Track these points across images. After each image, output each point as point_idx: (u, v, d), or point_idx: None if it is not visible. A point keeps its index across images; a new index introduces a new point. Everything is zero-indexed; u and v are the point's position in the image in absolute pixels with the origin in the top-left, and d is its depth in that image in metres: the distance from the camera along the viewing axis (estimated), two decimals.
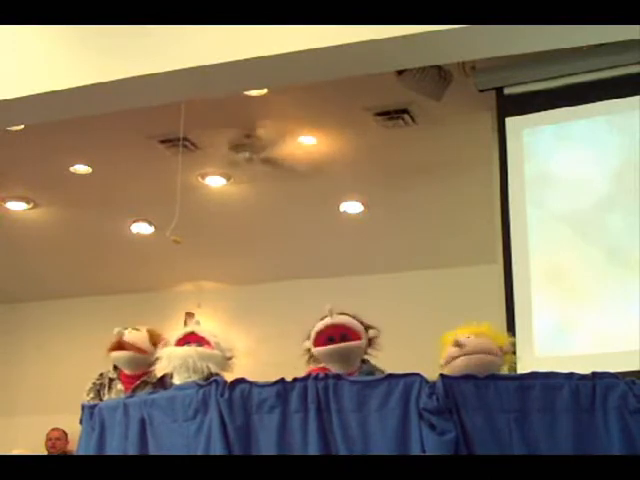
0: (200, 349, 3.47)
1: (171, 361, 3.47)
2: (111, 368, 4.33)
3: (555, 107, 5.76)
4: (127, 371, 4.24)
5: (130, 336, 4.23)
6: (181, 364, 3.43)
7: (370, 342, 3.64)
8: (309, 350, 3.59)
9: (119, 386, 4.21)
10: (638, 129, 5.42)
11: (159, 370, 3.69)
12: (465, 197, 7.18)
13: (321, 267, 8.29)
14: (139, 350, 4.18)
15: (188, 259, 8.22)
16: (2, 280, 8.93)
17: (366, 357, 3.63)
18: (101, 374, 4.31)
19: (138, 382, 4.18)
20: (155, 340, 4.23)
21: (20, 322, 9.33)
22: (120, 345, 4.21)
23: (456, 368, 3.16)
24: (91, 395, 4.19)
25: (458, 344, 3.29)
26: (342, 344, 3.51)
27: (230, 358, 3.57)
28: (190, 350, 3.45)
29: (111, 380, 4.26)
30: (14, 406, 9.00)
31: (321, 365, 3.61)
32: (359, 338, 3.59)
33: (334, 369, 3.51)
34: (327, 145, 6.93)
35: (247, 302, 8.55)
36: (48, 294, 9.11)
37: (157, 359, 3.80)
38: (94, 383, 4.29)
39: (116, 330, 4.23)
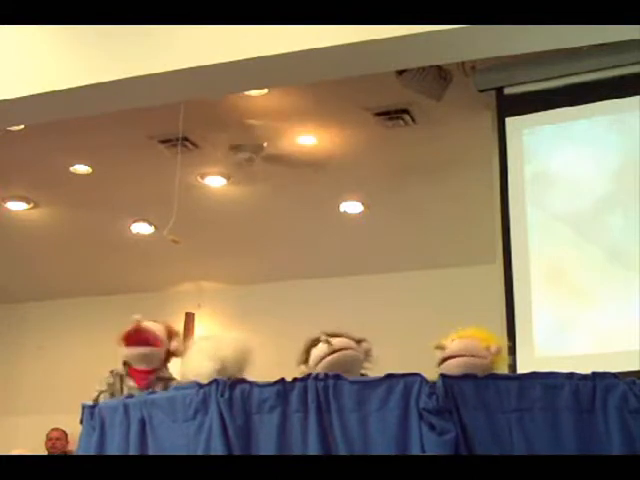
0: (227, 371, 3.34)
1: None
2: (120, 365, 4.23)
3: (555, 107, 5.76)
4: (140, 367, 4.14)
5: (148, 324, 4.10)
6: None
7: (365, 355, 3.64)
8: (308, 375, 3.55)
9: (130, 382, 4.13)
10: (638, 129, 5.42)
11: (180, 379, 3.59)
12: (465, 197, 7.18)
13: (321, 267, 8.30)
14: (154, 341, 4.05)
15: (188, 259, 8.23)
16: (2, 280, 8.93)
17: (363, 371, 3.63)
18: (111, 371, 4.20)
19: (153, 378, 4.10)
20: (172, 335, 4.16)
21: (20, 322, 9.34)
22: (137, 333, 4.12)
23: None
24: (105, 394, 4.08)
25: (440, 347, 3.34)
26: (343, 352, 3.49)
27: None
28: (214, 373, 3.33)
29: (121, 377, 4.17)
30: (14, 406, 9.01)
31: None
32: None
33: None
34: (327, 145, 6.93)
35: (247, 302, 8.55)
36: (48, 294, 9.12)
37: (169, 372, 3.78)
38: (109, 384, 4.15)
39: (134, 317, 4.14)
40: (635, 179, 5.34)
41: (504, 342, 3.46)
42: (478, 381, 3.01)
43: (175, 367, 4.21)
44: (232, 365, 3.32)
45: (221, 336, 3.50)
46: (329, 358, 3.46)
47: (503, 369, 3.42)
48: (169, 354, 4.18)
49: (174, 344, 4.17)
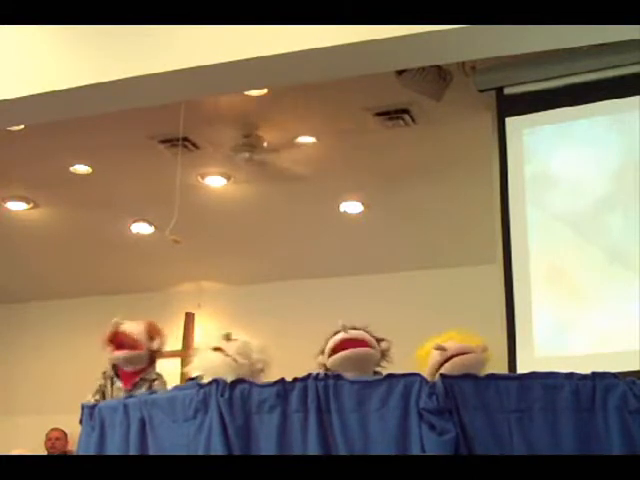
0: (233, 363, 3.32)
1: (206, 371, 3.35)
2: (109, 366, 4.32)
3: (555, 107, 5.76)
4: (127, 369, 4.22)
5: (127, 327, 4.19)
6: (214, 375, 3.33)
7: (383, 354, 3.66)
8: (324, 365, 3.59)
9: (118, 384, 4.20)
10: (638, 129, 5.42)
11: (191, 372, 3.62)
12: (465, 197, 7.18)
13: (321, 267, 8.29)
14: (134, 345, 4.14)
15: (188, 259, 8.23)
16: (2, 280, 8.93)
17: (378, 369, 3.64)
18: (103, 372, 4.29)
19: (137, 379, 4.16)
20: (153, 334, 4.21)
21: (20, 322, 9.33)
22: (116, 338, 4.18)
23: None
24: (97, 397, 4.16)
25: (440, 348, 3.34)
26: (356, 349, 3.52)
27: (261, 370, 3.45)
28: (224, 366, 3.31)
29: (111, 378, 4.25)
30: (14, 406, 9.00)
31: None
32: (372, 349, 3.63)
33: None
34: (327, 145, 6.93)
35: (247, 302, 8.55)
36: (48, 294, 9.11)
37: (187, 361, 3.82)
38: (100, 385, 4.26)
39: (114, 320, 4.21)
40: (635, 179, 5.34)
41: (483, 341, 3.50)
42: (478, 381, 3.01)
43: (164, 367, 4.26)
44: (257, 371, 3.35)
45: (246, 340, 3.48)
46: (340, 354, 3.49)
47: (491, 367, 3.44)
48: (153, 354, 4.22)
49: (156, 343, 4.21)
